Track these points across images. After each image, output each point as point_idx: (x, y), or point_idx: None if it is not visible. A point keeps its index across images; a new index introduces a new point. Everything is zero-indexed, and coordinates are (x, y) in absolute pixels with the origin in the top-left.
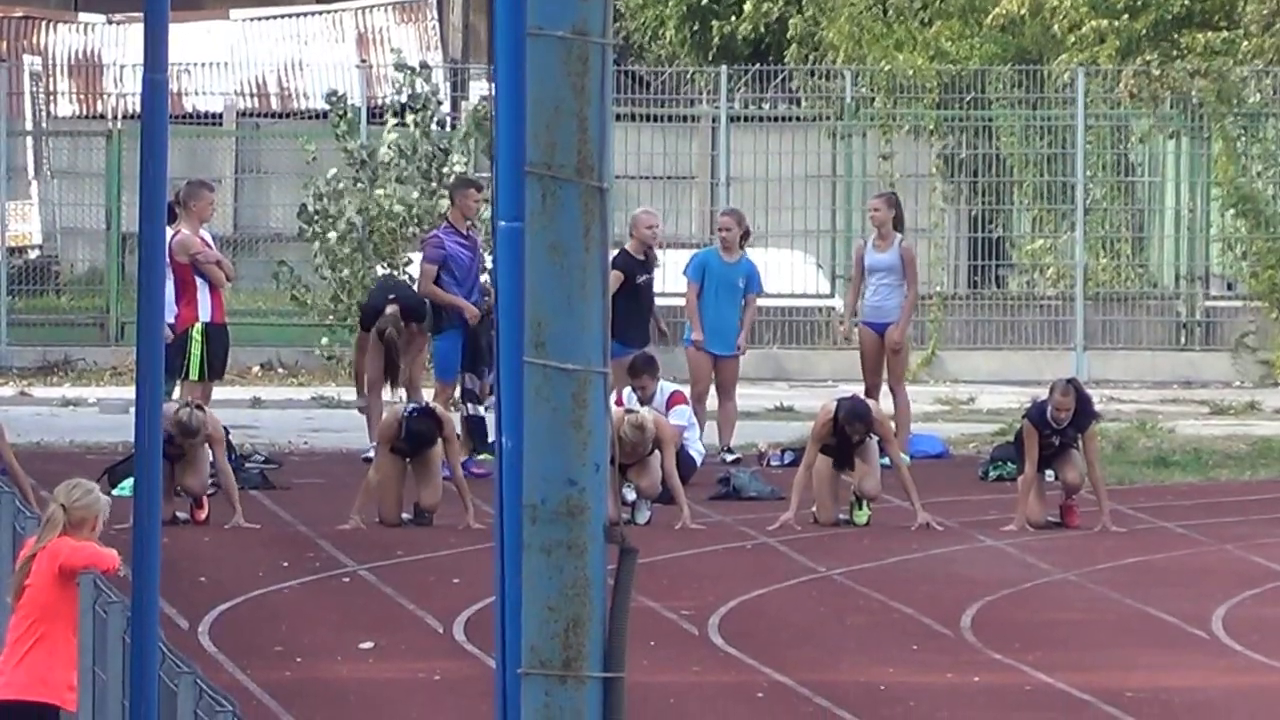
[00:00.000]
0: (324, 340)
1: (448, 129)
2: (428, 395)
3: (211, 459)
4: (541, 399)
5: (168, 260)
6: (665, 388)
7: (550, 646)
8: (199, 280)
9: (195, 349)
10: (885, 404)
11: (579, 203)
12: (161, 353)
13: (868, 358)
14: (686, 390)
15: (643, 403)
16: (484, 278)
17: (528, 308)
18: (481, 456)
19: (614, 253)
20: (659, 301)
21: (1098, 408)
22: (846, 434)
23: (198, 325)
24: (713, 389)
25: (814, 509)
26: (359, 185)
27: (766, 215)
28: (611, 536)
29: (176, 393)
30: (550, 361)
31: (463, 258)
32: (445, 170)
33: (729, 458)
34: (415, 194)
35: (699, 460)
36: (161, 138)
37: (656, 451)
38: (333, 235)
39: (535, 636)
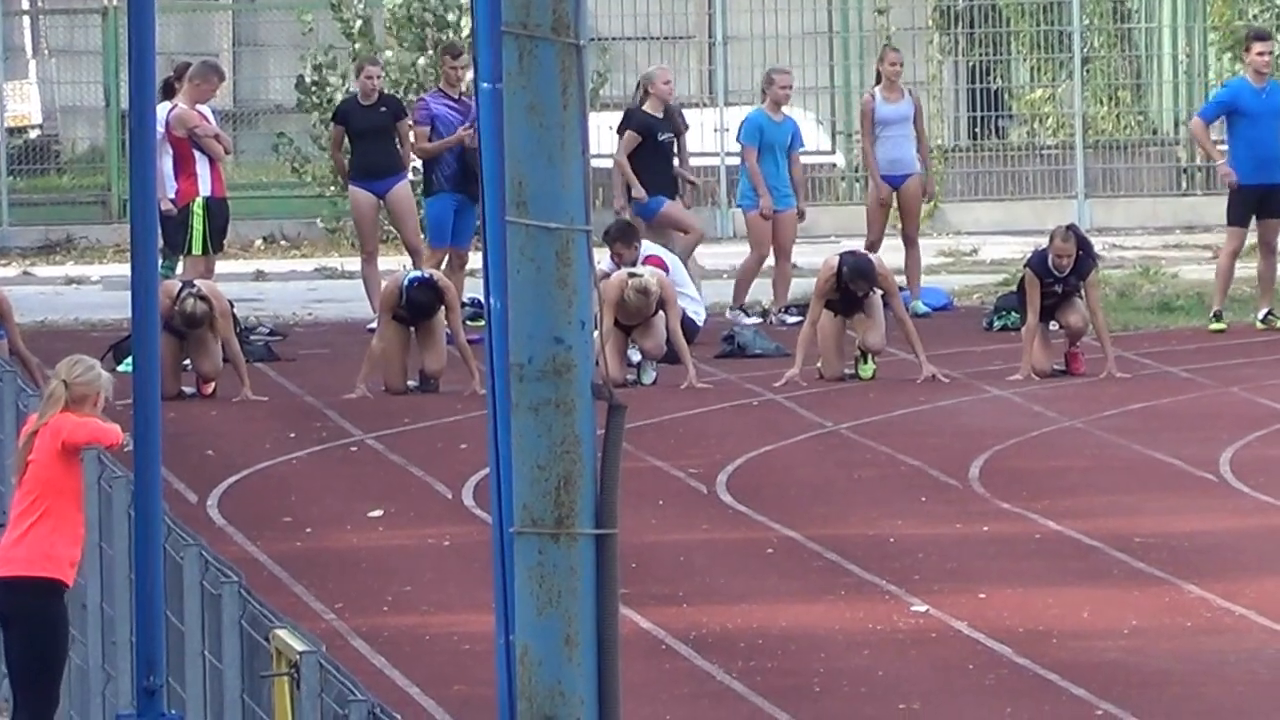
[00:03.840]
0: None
1: None
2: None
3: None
4: (525, 258)
5: (166, 135)
6: (645, 249)
7: (542, 505)
8: (197, 154)
9: (197, 223)
10: (888, 257)
11: (556, 61)
12: (155, 226)
13: (880, 211)
14: (664, 254)
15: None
16: None
17: (508, 168)
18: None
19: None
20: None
21: (1099, 253)
22: (850, 289)
23: (198, 200)
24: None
25: (819, 364)
26: (353, 57)
27: (765, 74)
28: (599, 393)
29: (180, 269)
30: (532, 221)
31: (452, 120)
32: (443, 35)
33: (786, 317)
34: (418, 59)
35: (699, 322)
36: (149, 12)
37: (660, 313)
38: (336, 96)
39: (526, 495)
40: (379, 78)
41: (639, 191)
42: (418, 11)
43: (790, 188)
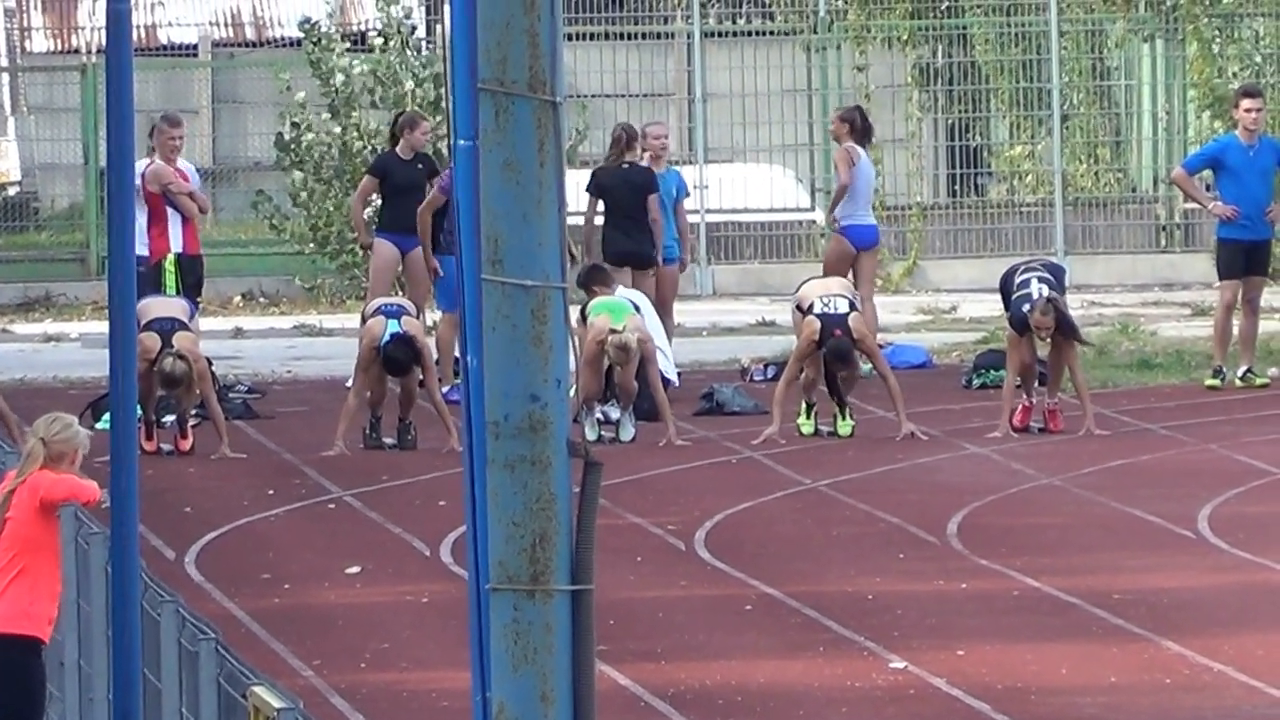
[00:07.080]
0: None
1: (422, 53)
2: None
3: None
4: (501, 316)
5: (140, 190)
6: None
7: (517, 561)
8: (170, 211)
9: (169, 280)
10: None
11: (532, 118)
12: (134, 284)
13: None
14: (638, 298)
15: None
16: None
17: (484, 225)
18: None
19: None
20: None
21: (1079, 313)
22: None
23: (170, 256)
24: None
25: (797, 422)
26: (331, 114)
27: (744, 130)
28: (575, 450)
29: None
30: (508, 279)
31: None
32: (419, 93)
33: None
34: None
35: (675, 381)
36: (126, 68)
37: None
38: (315, 152)
39: (502, 552)
40: (430, 133)
41: None
42: (396, 70)
43: (675, 239)
